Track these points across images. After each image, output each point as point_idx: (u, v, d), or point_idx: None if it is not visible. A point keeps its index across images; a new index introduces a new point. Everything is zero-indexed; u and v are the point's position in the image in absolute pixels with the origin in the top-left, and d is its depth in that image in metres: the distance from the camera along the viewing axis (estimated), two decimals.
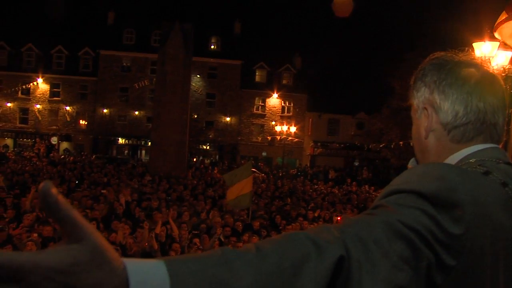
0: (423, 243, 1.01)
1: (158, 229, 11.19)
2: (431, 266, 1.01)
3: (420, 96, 1.41)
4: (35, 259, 0.70)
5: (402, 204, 1.07)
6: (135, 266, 0.79)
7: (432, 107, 1.37)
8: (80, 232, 0.75)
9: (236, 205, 15.11)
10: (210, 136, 48.77)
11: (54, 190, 0.73)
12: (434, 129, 1.38)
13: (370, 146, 38.62)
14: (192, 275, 0.81)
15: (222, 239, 11.67)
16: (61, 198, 0.74)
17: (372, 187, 29.11)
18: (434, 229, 1.02)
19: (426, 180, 1.11)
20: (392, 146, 33.88)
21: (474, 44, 11.36)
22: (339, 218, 16.12)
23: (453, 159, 1.33)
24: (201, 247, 10.68)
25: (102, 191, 17.57)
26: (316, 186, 28.69)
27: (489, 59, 10.78)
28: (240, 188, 14.90)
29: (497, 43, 10.97)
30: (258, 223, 13.85)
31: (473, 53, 1.48)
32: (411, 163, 1.51)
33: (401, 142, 32.33)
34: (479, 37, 11.58)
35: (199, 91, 49.25)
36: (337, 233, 0.97)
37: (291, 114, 50.56)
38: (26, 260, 0.69)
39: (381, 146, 36.14)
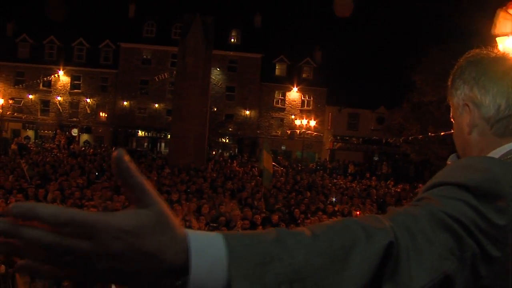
0: (467, 233, 1.01)
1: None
2: (475, 257, 1.02)
3: (459, 94, 1.43)
4: (106, 218, 0.77)
5: (445, 196, 1.08)
6: (195, 236, 0.84)
7: (473, 102, 1.38)
8: (148, 198, 0.82)
9: (264, 177, 16.24)
10: (230, 129, 48.80)
11: (126, 157, 0.81)
12: (477, 124, 1.39)
13: (389, 140, 38.44)
14: (248, 248, 0.84)
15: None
16: (132, 165, 0.81)
17: (392, 182, 29.00)
18: (478, 220, 1.03)
19: (469, 172, 1.12)
20: (410, 138, 33.66)
21: (498, 39, 11.22)
22: (358, 212, 16.09)
23: (496, 154, 1.33)
24: None
25: None
26: (335, 181, 28.64)
27: None
28: (269, 163, 15.94)
29: None
30: (277, 216, 13.86)
31: (498, 48, 1.49)
32: (451, 159, 1.51)
33: (420, 136, 32.11)
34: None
35: (219, 84, 49.29)
36: (385, 221, 0.98)
37: (311, 108, 50.43)
38: (98, 219, 0.76)
39: (400, 140, 35.95)
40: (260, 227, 11.73)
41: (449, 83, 1.48)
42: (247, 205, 15.45)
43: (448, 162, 1.49)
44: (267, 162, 16.34)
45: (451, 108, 1.50)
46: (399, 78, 39.15)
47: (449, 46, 30.89)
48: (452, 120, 1.51)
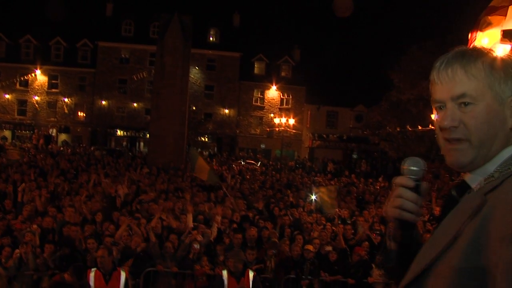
0: None
1: (154, 222, 11.04)
2: None
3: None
4: None
5: None
6: None
7: None
8: None
9: (210, 179, 16.84)
10: (209, 128, 48.75)
11: None
12: None
13: (365, 132, 38.73)
14: None
15: (221, 229, 11.69)
16: None
17: (370, 179, 29.18)
18: None
19: None
20: (389, 129, 33.99)
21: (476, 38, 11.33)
22: (336, 209, 16.18)
23: None
24: (199, 238, 10.69)
25: (104, 179, 17.55)
26: (315, 178, 28.72)
27: None
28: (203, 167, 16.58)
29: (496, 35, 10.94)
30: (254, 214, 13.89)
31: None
32: (411, 164, 1.51)
33: (398, 129, 32.42)
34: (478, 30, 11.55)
35: (197, 83, 49.20)
36: None
37: (289, 106, 50.54)
38: None
39: (376, 133, 36.27)
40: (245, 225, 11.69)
41: (486, 71, 1.38)
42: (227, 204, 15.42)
43: (404, 167, 1.54)
44: (203, 170, 16.65)
45: (472, 96, 1.39)
46: (378, 76, 39.42)
47: (427, 44, 31.22)
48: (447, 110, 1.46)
